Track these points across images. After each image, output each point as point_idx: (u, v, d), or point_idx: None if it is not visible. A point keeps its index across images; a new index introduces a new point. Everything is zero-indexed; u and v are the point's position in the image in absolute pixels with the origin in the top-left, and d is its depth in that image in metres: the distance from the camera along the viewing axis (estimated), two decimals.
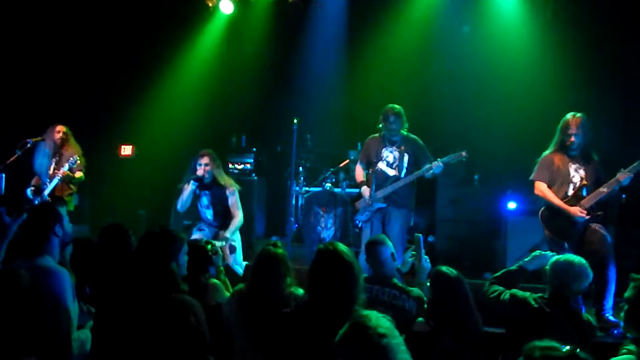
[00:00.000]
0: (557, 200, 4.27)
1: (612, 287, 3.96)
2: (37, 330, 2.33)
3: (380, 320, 1.63)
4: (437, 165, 4.74)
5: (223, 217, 5.00)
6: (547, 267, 2.96)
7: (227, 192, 4.97)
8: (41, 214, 2.72)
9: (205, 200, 5.02)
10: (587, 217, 4.13)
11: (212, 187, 4.97)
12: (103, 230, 3.21)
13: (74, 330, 2.43)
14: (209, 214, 5.05)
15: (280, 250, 2.94)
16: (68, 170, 5.26)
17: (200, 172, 4.88)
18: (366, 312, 1.70)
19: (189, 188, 4.91)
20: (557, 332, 2.57)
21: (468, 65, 6.76)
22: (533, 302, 2.85)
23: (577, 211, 4.15)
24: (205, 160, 4.91)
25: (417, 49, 7.02)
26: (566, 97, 5.77)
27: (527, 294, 2.95)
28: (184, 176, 5.05)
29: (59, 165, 5.37)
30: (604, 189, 4.12)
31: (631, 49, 5.87)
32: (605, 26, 5.94)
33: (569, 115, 4.32)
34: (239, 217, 4.95)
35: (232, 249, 4.83)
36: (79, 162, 5.35)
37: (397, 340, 1.59)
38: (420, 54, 7.00)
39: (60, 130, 5.53)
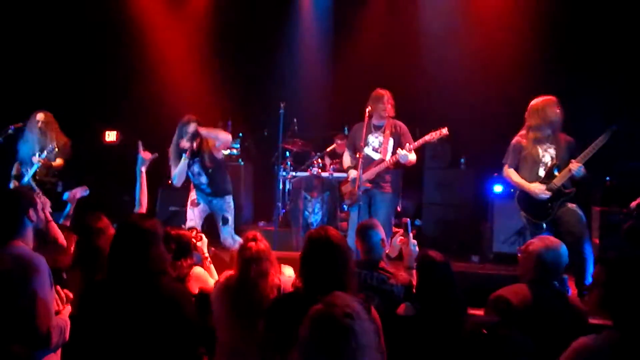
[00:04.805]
0: (520, 180, 4.38)
1: (590, 267, 4.03)
2: (14, 319, 2.30)
3: (348, 302, 1.62)
4: (402, 154, 4.75)
5: (217, 180, 5.01)
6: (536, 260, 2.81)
7: (214, 152, 4.95)
8: (14, 198, 2.63)
9: (196, 167, 4.97)
10: (549, 194, 4.20)
11: (201, 152, 4.92)
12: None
13: (52, 318, 2.39)
14: (202, 179, 5.01)
15: (261, 245, 2.87)
16: (45, 157, 5.21)
17: (189, 144, 4.84)
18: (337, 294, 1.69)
19: (182, 162, 4.85)
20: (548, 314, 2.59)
21: (454, 49, 6.74)
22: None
23: (536, 189, 4.25)
24: (192, 128, 4.85)
25: (403, 33, 7.00)
26: (551, 80, 5.79)
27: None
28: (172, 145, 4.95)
29: (42, 152, 5.31)
30: (572, 167, 4.17)
31: (613, 31, 5.90)
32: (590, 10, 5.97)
33: (538, 99, 4.37)
34: (227, 135, 4.99)
35: (225, 220, 4.86)
36: (56, 149, 5.29)
37: (363, 323, 1.58)
38: (406, 37, 6.97)
39: (41, 117, 5.43)
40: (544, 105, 4.30)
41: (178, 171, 4.89)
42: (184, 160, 4.84)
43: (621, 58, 5.88)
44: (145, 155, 4.20)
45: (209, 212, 5.10)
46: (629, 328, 1.96)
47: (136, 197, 4.15)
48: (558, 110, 4.28)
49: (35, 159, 5.23)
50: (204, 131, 4.86)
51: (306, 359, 1.59)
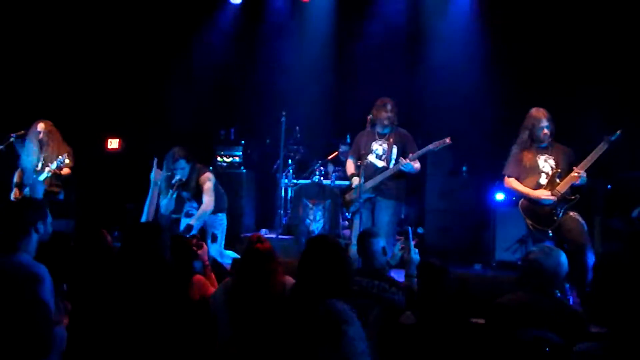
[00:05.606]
0: (524, 189, 4.38)
1: (591, 275, 4.01)
2: (15, 326, 2.30)
3: (344, 307, 1.66)
4: (404, 163, 4.75)
5: None
6: (538, 267, 2.79)
7: (204, 186, 5.01)
8: (25, 207, 2.64)
9: (186, 194, 5.05)
10: (554, 198, 4.20)
11: (190, 183, 4.98)
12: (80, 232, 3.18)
13: (52, 327, 2.39)
14: (193, 204, 5.09)
15: (267, 245, 2.91)
16: (56, 168, 5.26)
17: (178, 176, 4.89)
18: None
19: (170, 196, 4.89)
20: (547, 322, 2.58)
21: (457, 56, 6.75)
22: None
23: (542, 194, 4.25)
24: (182, 164, 4.91)
25: (405, 41, 7.02)
26: (551, 89, 5.81)
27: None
28: (160, 176, 4.97)
29: (47, 162, 5.34)
30: (575, 174, 4.20)
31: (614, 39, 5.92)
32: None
33: (534, 110, 4.42)
34: (208, 204, 4.94)
35: (214, 238, 4.90)
36: (67, 160, 5.32)
37: (357, 329, 1.61)
38: (409, 45, 6.99)
39: (42, 127, 5.46)
40: (542, 115, 4.37)
41: (166, 203, 4.93)
42: (172, 195, 4.88)
43: (622, 66, 5.88)
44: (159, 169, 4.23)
45: (202, 224, 5.12)
46: (624, 335, 1.95)
47: (145, 207, 4.16)
48: (542, 123, 4.34)
49: (47, 168, 5.27)
50: (194, 222, 4.88)
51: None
